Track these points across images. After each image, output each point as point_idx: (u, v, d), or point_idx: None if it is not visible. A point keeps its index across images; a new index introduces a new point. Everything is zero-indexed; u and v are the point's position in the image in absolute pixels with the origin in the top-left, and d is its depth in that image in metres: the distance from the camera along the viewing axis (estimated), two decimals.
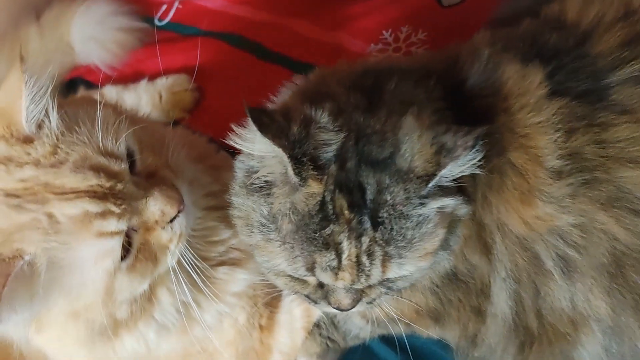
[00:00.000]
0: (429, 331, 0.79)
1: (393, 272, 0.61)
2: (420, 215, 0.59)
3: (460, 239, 0.67)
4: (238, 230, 0.68)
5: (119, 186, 0.63)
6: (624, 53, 0.66)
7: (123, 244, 0.63)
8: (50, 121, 0.64)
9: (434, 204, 0.60)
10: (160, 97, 1.19)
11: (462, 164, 0.59)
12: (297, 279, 0.66)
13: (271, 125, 0.59)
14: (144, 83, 1.21)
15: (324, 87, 0.68)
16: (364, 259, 0.59)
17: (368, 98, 0.64)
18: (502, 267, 0.69)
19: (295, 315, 0.88)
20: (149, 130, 0.73)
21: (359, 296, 0.65)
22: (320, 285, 0.66)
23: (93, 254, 0.62)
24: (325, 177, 0.59)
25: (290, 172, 0.59)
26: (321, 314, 0.88)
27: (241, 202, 0.65)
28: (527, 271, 0.68)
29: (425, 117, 0.61)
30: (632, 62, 0.65)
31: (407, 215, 0.59)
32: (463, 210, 0.63)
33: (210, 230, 0.78)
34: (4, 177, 0.62)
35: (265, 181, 0.63)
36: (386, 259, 0.59)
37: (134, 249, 0.65)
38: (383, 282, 0.65)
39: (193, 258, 0.70)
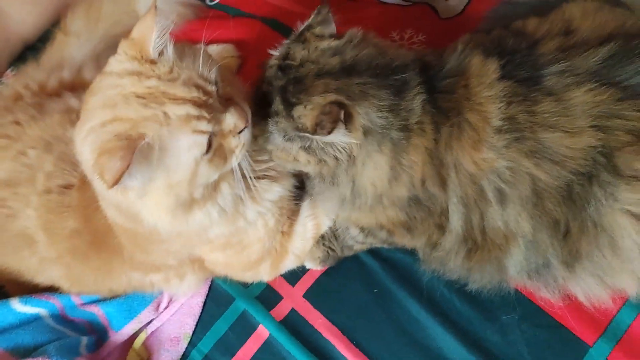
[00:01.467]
0: (404, 240, 1.05)
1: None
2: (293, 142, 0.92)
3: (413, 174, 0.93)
4: None
5: (210, 100, 0.85)
6: (558, 55, 0.91)
7: (207, 142, 0.85)
8: (168, 51, 0.86)
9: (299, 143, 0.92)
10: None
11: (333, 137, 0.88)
12: None
13: None
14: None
15: None
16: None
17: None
18: (455, 195, 0.94)
19: (308, 227, 1.13)
20: (223, 70, 0.96)
21: None
22: None
23: (188, 144, 0.83)
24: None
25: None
26: (327, 228, 1.14)
27: None
28: (474, 199, 0.93)
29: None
30: (562, 61, 0.90)
31: (284, 135, 0.91)
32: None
33: (256, 152, 1.00)
34: (136, 84, 0.83)
35: None
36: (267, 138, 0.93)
37: (213, 148, 0.87)
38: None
39: (247, 164, 0.94)
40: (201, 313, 1.17)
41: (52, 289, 1.17)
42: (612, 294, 0.97)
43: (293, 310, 1.14)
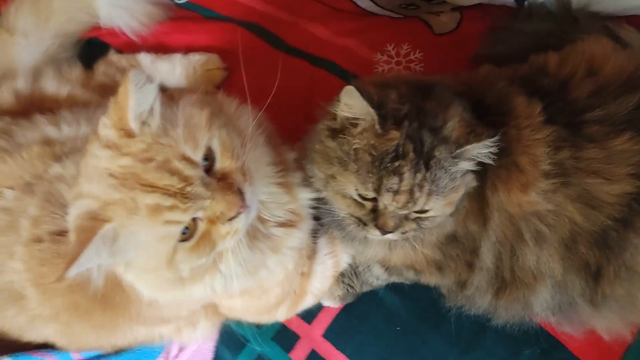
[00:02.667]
0: (432, 278, 1.04)
1: (431, 205, 0.85)
2: (452, 171, 0.85)
3: (463, 210, 0.93)
4: (316, 164, 0.91)
5: (188, 189, 0.76)
6: (592, 101, 0.94)
7: (189, 225, 0.78)
8: (152, 122, 0.77)
9: (462, 165, 0.85)
10: (195, 71, 1.31)
11: (482, 148, 0.84)
12: (358, 202, 0.89)
13: (365, 95, 0.83)
14: (178, 56, 1.32)
15: (386, 81, 0.93)
16: (416, 188, 0.84)
17: (422, 92, 0.90)
18: (493, 235, 0.95)
19: (327, 266, 1.09)
20: (232, 124, 0.86)
21: (399, 224, 0.88)
22: (373, 210, 0.88)
23: (159, 235, 0.77)
24: (401, 129, 0.84)
25: (377, 124, 0.84)
26: (346, 266, 1.11)
27: (325, 144, 0.90)
28: (509, 239, 0.94)
29: (462, 111, 0.88)
30: (597, 109, 0.93)
31: (445, 168, 0.84)
32: (473, 183, 0.89)
33: (272, 195, 0.93)
34: (110, 161, 0.76)
35: (350, 124, 0.87)
36: (430, 192, 0.84)
37: (197, 234, 0.79)
38: (416, 219, 0.88)
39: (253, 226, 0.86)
40: (213, 359, 1.10)
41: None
42: (632, 328, 1.03)
43: (314, 353, 1.10)
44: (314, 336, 1.11)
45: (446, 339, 1.09)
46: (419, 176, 0.84)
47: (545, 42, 1.18)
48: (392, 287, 1.13)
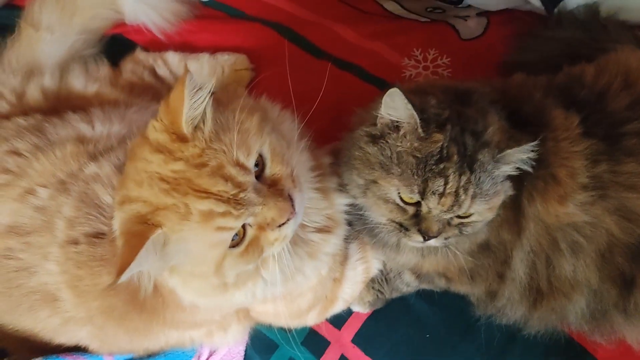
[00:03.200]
0: (462, 286, 1.04)
1: (475, 208, 0.85)
2: (494, 175, 0.85)
3: (497, 219, 0.93)
4: (355, 170, 0.90)
5: (241, 195, 0.75)
6: (630, 114, 0.94)
7: (238, 232, 0.78)
8: (207, 122, 0.76)
9: (503, 168, 0.85)
10: (223, 71, 1.30)
11: (521, 152, 0.84)
12: (400, 207, 0.88)
13: (408, 99, 0.83)
14: (206, 56, 1.32)
15: (424, 89, 0.94)
16: (461, 191, 0.83)
17: (459, 99, 0.90)
18: (528, 244, 0.95)
19: (358, 271, 1.08)
20: (277, 129, 0.86)
21: (442, 229, 0.87)
22: (415, 215, 0.88)
23: (210, 241, 0.76)
24: (445, 132, 0.84)
25: (420, 128, 0.84)
26: (377, 272, 1.10)
27: (365, 150, 0.89)
28: (545, 249, 0.94)
29: (499, 119, 0.88)
30: (634, 121, 0.93)
31: (488, 171, 0.84)
32: (510, 191, 0.89)
33: (311, 201, 0.92)
34: (162, 165, 0.76)
35: (391, 129, 0.87)
36: (474, 195, 0.84)
37: (246, 240, 0.79)
38: (459, 225, 0.88)
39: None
40: None
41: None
42: None
43: (343, 358, 1.10)
44: (343, 341, 1.11)
45: (476, 348, 1.09)
46: (464, 178, 0.83)
47: (575, 51, 1.19)
48: (422, 294, 1.13)
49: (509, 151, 0.84)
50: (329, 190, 0.96)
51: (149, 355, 1.05)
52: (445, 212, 0.86)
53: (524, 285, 0.99)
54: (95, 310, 0.95)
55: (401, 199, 0.87)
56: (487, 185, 0.85)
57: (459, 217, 0.87)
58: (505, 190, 0.89)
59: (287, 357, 1.10)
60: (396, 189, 0.87)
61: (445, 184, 0.83)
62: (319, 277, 1.01)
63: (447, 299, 1.12)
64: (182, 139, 0.76)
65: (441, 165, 0.84)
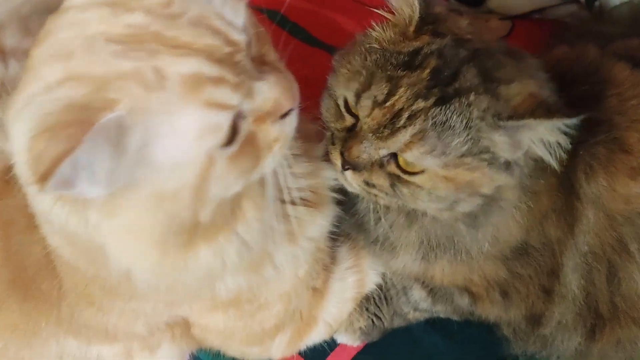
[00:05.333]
0: (493, 308, 0.80)
1: (415, 156, 0.62)
2: (482, 142, 0.62)
3: (538, 209, 0.71)
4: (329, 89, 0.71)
5: (238, 57, 0.55)
6: None
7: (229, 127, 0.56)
8: None
9: (504, 143, 0.62)
10: None
11: (549, 130, 0.61)
12: (339, 111, 0.68)
13: None
14: None
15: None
16: (404, 116, 0.61)
17: (507, 50, 0.70)
18: (584, 243, 0.72)
19: (348, 284, 0.84)
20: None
21: (366, 164, 0.66)
22: (350, 129, 0.67)
23: (196, 127, 0.53)
24: (435, 40, 0.64)
25: (412, 22, 0.66)
26: (373, 287, 0.86)
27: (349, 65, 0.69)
28: (607, 252, 0.72)
29: (541, 89, 0.65)
30: None
31: (472, 127, 0.61)
32: (510, 180, 0.65)
33: (295, 162, 0.70)
34: (109, 20, 0.53)
35: None
36: (418, 136, 0.61)
37: (240, 137, 0.57)
38: (393, 176, 0.66)
39: (287, 174, 0.64)
40: None
41: None
42: None
43: None
44: None
45: None
46: (420, 104, 0.61)
47: None
48: (435, 324, 0.87)
49: (527, 121, 0.61)
50: (314, 158, 0.74)
51: None
52: (374, 133, 0.64)
53: (579, 303, 0.75)
54: None
55: (346, 103, 0.68)
56: (459, 143, 0.62)
57: (398, 166, 0.65)
58: (498, 178, 0.65)
59: None
60: (342, 88, 0.68)
61: (390, 94, 0.63)
62: (293, 281, 0.75)
63: (471, 332, 0.86)
64: None
65: (401, 72, 0.63)
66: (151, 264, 0.58)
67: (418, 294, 0.83)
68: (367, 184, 0.67)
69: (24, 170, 0.51)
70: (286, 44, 1.19)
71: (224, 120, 0.54)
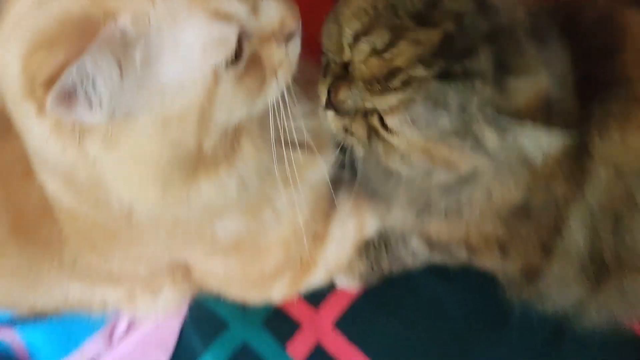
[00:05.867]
0: (490, 261, 0.80)
1: (393, 122, 0.60)
2: (470, 124, 0.59)
3: (548, 168, 0.68)
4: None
5: None
6: None
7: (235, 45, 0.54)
8: None
9: (493, 131, 0.59)
10: None
11: (543, 135, 0.59)
12: (341, 41, 0.64)
13: None
14: None
15: None
16: (398, 78, 0.58)
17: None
18: (594, 200, 0.71)
19: (348, 229, 0.83)
20: None
21: (350, 109, 0.63)
22: (345, 67, 0.63)
23: (203, 40, 0.51)
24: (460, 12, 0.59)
25: None
26: (373, 233, 0.85)
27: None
28: (615, 205, 0.71)
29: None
30: None
31: (465, 111, 0.58)
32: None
33: (295, 98, 0.67)
34: None
35: None
36: (406, 104, 0.58)
37: (245, 56, 0.55)
38: (372, 130, 0.63)
39: (283, 114, 0.62)
40: (177, 345, 0.84)
41: None
42: None
43: (319, 347, 0.85)
44: (321, 325, 0.86)
45: (508, 346, 0.83)
46: (420, 71, 0.57)
47: None
48: (434, 269, 0.86)
49: (524, 123, 0.58)
50: (315, 100, 0.71)
51: (37, 317, 0.79)
52: (366, 84, 0.61)
53: (583, 257, 0.74)
54: None
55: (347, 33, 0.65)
56: (447, 122, 0.59)
57: (381, 121, 0.62)
58: (478, 161, 0.63)
59: (238, 342, 0.84)
60: (346, 24, 0.63)
61: (391, 44, 0.58)
62: (294, 226, 0.74)
63: (470, 277, 0.85)
64: None
65: (409, 22, 0.58)
66: (154, 198, 0.57)
67: (417, 244, 0.84)
68: (346, 130, 0.66)
69: (17, 97, 0.49)
70: None
71: (230, 33, 0.52)
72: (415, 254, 0.85)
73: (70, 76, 0.43)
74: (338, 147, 0.74)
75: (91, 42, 0.44)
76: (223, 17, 0.51)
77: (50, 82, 0.43)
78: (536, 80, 0.60)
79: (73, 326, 0.81)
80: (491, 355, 0.83)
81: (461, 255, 0.81)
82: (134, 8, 0.47)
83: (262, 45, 0.57)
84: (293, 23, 0.58)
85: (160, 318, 0.84)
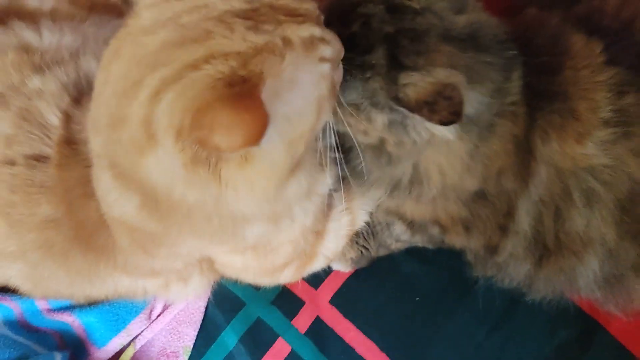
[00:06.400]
0: (458, 239, 0.92)
1: None
2: (370, 103, 0.72)
3: (495, 166, 0.80)
4: None
5: (322, 17, 0.65)
6: None
7: None
8: None
9: (386, 114, 0.72)
10: None
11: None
12: None
13: None
14: None
15: None
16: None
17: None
18: (536, 193, 0.83)
19: (342, 223, 0.95)
20: None
21: None
22: None
23: (315, 78, 0.62)
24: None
25: None
26: (362, 224, 0.98)
27: None
28: (555, 199, 0.83)
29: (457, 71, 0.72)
30: None
31: (366, 94, 0.71)
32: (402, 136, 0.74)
33: None
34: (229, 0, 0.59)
35: None
36: None
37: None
38: None
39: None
40: (203, 321, 0.97)
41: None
42: None
43: (318, 319, 0.98)
44: (319, 302, 0.99)
45: (473, 314, 0.96)
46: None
47: None
48: (412, 252, 1.00)
49: (411, 113, 0.70)
50: None
51: (91, 304, 0.91)
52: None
53: (529, 239, 0.87)
54: (30, 245, 0.81)
55: None
56: (355, 96, 0.72)
57: None
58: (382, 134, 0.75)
59: (254, 317, 0.97)
60: None
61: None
62: (303, 228, 0.87)
63: (442, 258, 0.99)
64: None
65: (335, 22, 0.69)
66: (267, 199, 0.67)
67: (399, 228, 0.95)
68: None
69: (167, 143, 0.57)
70: None
71: (329, 69, 0.64)
72: (398, 237, 0.97)
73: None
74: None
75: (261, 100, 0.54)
76: (324, 60, 0.63)
77: (250, 140, 0.53)
78: (430, 75, 0.69)
79: (120, 309, 0.93)
80: (459, 320, 0.96)
81: (435, 233, 0.93)
82: (273, 68, 0.57)
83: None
84: (341, 54, 0.67)
85: (190, 300, 0.96)
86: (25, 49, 0.89)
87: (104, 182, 0.71)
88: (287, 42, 0.59)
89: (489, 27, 0.75)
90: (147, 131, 0.59)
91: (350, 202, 0.97)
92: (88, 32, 0.96)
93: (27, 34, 0.92)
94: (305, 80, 0.62)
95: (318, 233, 0.93)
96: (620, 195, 0.81)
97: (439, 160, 0.80)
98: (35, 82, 0.85)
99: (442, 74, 0.69)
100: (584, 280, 0.89)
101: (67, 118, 0.82)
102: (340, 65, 0.68)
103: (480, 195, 0.85)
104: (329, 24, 0.68)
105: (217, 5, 0.59)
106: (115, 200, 0.71)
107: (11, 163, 0.79)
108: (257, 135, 0.54)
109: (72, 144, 0.80)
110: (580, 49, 0.82)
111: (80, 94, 0.85)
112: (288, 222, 0.81)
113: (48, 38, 0.92)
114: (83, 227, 0.79)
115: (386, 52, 0.70)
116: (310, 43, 0.61)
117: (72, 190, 0.78)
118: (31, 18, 1.00)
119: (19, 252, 0.81)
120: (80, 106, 0.83)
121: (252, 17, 0.58)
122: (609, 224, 0.83)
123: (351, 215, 0.97)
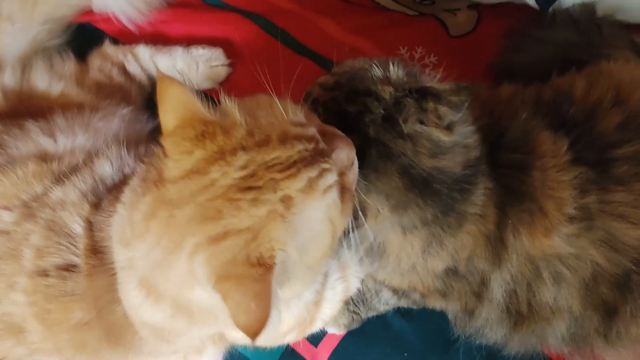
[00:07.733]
0: (437, 303, 1.01)
1: None
2: None
3: (466, 251, 0.89)
4: None
5: (320, 145, 0.69)
6: (621, 136, 0.90)
7: None
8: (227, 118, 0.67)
9: None
10: (197, 67, 1.22)
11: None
12: None
13: None
14: (180, 50, 1.23)
15: None
16: None
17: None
18: (508, 274, 0.92)
19: (337, 291, 1.05)
20: None
21: None
22: None
23: (322, 211, 0.67)
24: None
25: None
26: (355, 291, 1.08)
27: None
28: (526, 277, 0.92)
29: None
30: (626, 145, 0.89)
31: None
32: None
33: None
34: (227, 171, 0.64)
35: None
36: None
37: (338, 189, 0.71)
38: None
39: None
40: None
41: None
42: None
43: None
44: (320, 358, 1.10)
45: None
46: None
47: (568, 54, 1.15)
48: (400, 311, 1.11)
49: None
50: None
51: None
52: None
53: (502, 307, 0.96)
54: (64, 343, 0.91)
55: None
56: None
57: None
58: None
59: None
60: None
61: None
62: (305, 303, 0.98)
63: (426, 316, 1.10)
64: (223, 129, 0.66)
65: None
66: (297, 298, 0.83)
67: (387, 294, 1.05)
68: None
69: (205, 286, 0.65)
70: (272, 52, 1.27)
71: (335, 193, 0.69)
72: (386, 302, 1.07)
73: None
74: None
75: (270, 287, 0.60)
76: (328, 188, 0.67)
77: (258, 331, 0.62)
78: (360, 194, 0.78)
79: None
80: None
81: (416, 297, 1.02)
82: (279, 233, 0.63)
83: (341, 178, 0.72)
84: (353, 153, 0.72)
85: None
86: (43, 158, 0.96)
87: (133, 295, 0.79)
88: (286, 201, 0.65)
89: (451, 172, 0.84)
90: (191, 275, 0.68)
91: (344, 270, 1.06)
92: (98, 127, 1.03)
93: (43, 141, 0.99)
94: (312, 216, 0.67)
95: (316, 302, 1.03)
96: (584, 277, 0.90)
97: (398, 244, 0.88)
98: (57, 193, 0.92)
99: (374, 197, 0.79)
100: (553, 339, 0.99)
101: (90, 226, 0.91)
102: (355, 162, 0.73)
103: (452, 271, 0.93)
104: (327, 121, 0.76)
105: (220, 182, 0.65)
106: (145, 310, 0.80)
107: (44, 274, 0.88)
108: (256, 327, 0.62)
109: (97, 253, 0.88)
110: (548, 148, 0.89)
111: (98, 199, 0.93)
112: (296, 301, 0.91)
113: (62, 142, 1.00)
114: (112, 328, 0.89)
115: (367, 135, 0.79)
116: (309, 186, 0.66)
117: (101, 297, 0.87)
118: (41, 108, 1.08)
119: (54, 349, 0.92)
120: (99, 211, 0.92)
121: (251, 187, 0.65)
122: (574, 297, 0.92)
123: (345, 283, 1.06)
